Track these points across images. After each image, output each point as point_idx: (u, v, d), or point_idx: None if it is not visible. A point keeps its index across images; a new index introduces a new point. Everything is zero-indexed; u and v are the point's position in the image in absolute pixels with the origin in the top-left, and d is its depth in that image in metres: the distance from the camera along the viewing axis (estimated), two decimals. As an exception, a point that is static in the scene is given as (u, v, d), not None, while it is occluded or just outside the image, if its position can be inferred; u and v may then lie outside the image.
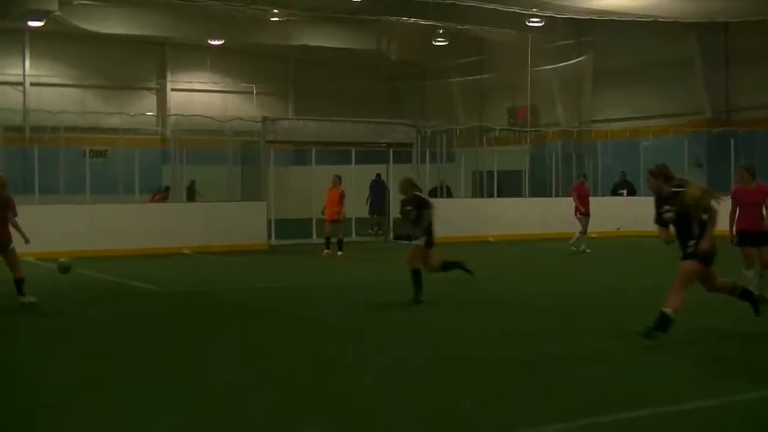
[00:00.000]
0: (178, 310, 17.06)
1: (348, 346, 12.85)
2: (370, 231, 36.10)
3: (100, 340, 13.71)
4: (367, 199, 36.53)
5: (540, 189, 39.23)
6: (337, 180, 28.40)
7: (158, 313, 16.62)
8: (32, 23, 40.77)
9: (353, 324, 15.12)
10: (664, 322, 12.03)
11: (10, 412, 9.24)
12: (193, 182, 37.93)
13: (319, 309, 16.95)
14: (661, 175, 13.26)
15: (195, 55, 49.26)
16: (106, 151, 39.12)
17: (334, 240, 27.80)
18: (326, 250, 27.72)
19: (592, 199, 32.65)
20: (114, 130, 38.54)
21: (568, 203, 37.08)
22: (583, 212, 29.57)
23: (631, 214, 35.35)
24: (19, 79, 45.93)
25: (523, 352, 12.15)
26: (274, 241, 31.44)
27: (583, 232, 29.49)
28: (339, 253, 27.51)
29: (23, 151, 37.00)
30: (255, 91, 50.57)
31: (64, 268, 19.21)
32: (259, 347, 12.95)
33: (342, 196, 27.92)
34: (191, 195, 37.59)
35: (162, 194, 36.75)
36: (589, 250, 29.12)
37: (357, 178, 33.72)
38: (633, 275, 23.26)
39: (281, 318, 15.95)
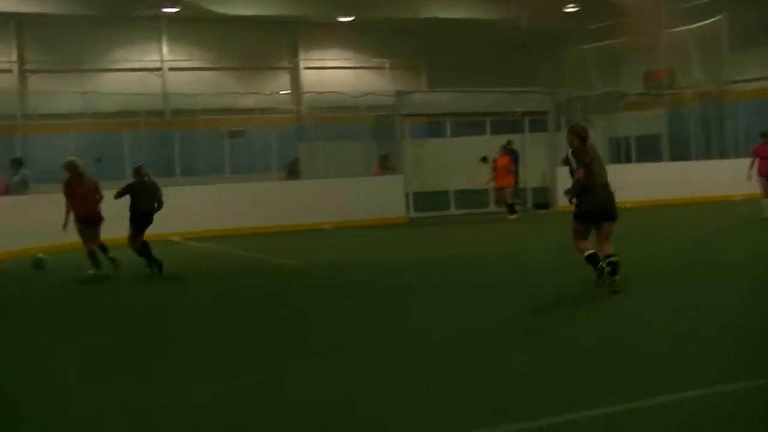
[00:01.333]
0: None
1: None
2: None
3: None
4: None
5: (680, 153, 38.22)
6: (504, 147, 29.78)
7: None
8: (167, 9, 41.20)
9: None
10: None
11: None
12: (297, 158, 37.26)
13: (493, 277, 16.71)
14: None
15: (326, 33, 49.14)
16: (243, 131, 39.19)
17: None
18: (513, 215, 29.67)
19: (731, 162, 31.70)
20: (250, 110, 38.81)
21: (710, 166, 36.14)
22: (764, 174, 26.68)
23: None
24: (158, 65, 46.39)
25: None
26: (412, 214, 31.12)
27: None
28: (512, 216, 29.14)
29: (165, 135, 37.37)
30: (387, 66, 50.25)
31: (37, 264, 19.11)
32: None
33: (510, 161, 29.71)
34: (294, 173, 37.02)
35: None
36: None
37: (493, 148, 33.23)
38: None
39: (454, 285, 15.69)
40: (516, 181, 32.55)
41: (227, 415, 8.13)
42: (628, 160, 36.27)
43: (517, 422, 7.51)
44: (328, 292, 15.82)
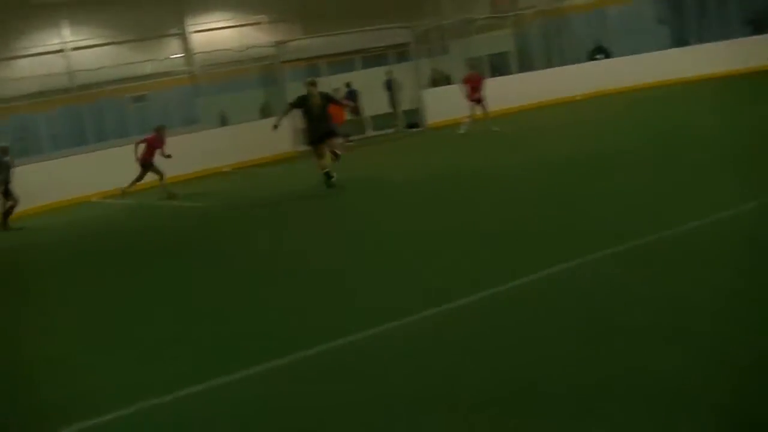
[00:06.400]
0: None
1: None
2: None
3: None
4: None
5: (527, 65, 39.23)
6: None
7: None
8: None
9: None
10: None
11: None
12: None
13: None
14: None
15: (209, -2, 49.33)
16: (144, 95, 39.42)
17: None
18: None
19: (570, 68, 32.76)
20: (149, 77, 38.98)
21: (553, 73, 37.19)
22: (474, 99, 27.95)
23: (609, 74, 35.65)
24: (62, 46, 46.17)
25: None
26: (300, 148, 31.80)
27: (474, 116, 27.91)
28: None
29: (75, 109, 37.47)
30: (266, 21, 50.47)
31: None
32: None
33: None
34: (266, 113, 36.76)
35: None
36: (496, 129, 27.01)
37: (366, 81, 33.96)
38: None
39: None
40: (357, 114, 33.51)
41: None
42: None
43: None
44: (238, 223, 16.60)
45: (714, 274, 7.45)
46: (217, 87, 35.70)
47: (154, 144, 23.54)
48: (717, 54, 33.58)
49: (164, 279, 11.82)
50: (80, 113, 33.66)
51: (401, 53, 34.73)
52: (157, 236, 16.81)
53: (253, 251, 12.74)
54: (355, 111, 33.31)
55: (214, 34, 49.53)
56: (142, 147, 23.57)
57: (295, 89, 33.54)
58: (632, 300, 7.08)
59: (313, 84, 19.19)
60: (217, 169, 28.81)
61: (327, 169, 18.28)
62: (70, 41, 46.27)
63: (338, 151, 20.17)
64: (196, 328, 8.71)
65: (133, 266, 13.35)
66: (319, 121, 18.71)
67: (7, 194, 21.44)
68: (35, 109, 35.03)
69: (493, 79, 35.91)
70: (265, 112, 36.02)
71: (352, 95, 33.44)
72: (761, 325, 6.07)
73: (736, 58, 32.77)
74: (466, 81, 28.30)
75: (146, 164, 23.47)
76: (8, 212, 21.63)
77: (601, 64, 37.06)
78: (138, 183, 23.79)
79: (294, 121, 29.90)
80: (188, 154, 28.25)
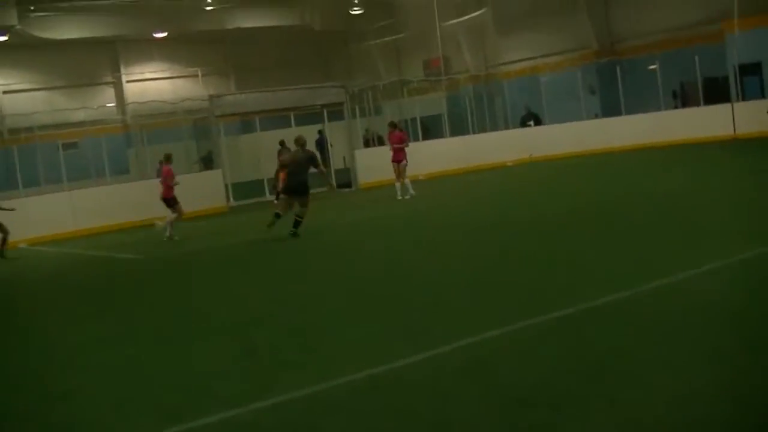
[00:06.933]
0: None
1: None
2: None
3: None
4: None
5: (459, 129, 39.53)
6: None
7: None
8: (-2, 38, 40.62)
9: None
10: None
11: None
12: (209, 152, 37.00)
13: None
14: None
15: (144, 49, 49.05)
16: (76, 142, 38.98)
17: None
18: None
19: (502, 133, 33.03)
20: (81, 123, 38.62)
21: (486, 138, 37.57)
22: (396, 160, 26.54)
23: (540, 141, 36.14)
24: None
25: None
26: (233, 203, 31.69)
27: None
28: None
29: (4, 152, 36.95)
30: (200, 74, 50.44)
31: None
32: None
33: None
34: (208, 164, 36.42)
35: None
36: (413, 193, 26.15)
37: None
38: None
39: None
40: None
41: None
42: (416, 139, 37.14)
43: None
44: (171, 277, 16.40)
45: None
46: (149, 137, 35.41)
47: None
48: (642, 125, 34.31)
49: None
50: (10, 157, 33.08)
51: (335, 112, 34.85)
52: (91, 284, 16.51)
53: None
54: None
55: (148, 84, 49.42)
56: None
57: (228, 143, 33.71)
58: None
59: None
60: (149, 220, 28.46)
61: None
62: (2, 84, 45.74)
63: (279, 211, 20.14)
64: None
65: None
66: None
67: None
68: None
69: (425, 141, 36.23)
70: (208, 164, 35.86)
71: (321, 143, 33.83)
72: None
73: (661, 130, 33.59)
74: (390, 140, 27.30)
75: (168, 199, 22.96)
76: None
77: (532, 131, 37.56)
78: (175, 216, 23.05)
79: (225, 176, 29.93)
80: (119, 204, 28.00)
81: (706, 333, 7.82)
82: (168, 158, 23.29)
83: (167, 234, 22.27)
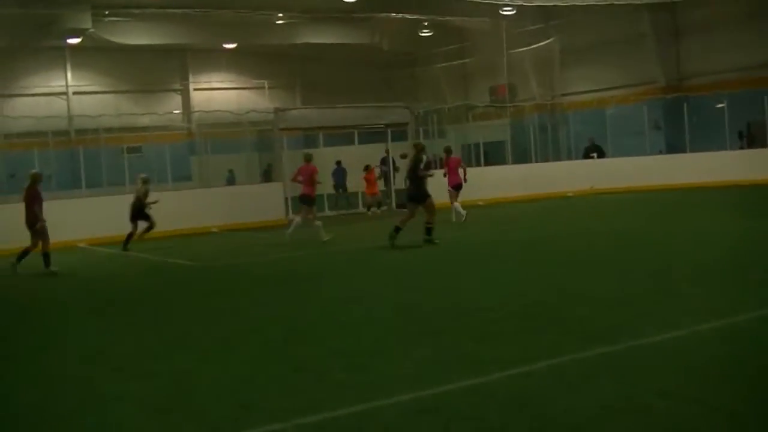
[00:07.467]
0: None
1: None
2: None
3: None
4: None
5: (521, 156, 39.39)
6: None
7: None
8: (71, 40, 41.12)
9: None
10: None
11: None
12: (269, 165, 37.35)
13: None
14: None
15: (212, 58, 49.42)
16: (140, 147, 39.32)
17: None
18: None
19: (565, 164, 32.67)
20: (146, 129, 38.97)
21: (548, 167, 37.34)
22: (452, 185, 26.32)
23: (602, 173, 35.82)
24: (63, 89, 46.21)
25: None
26: (291, 216, 31.66)
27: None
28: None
29: (70, 152, 37.36)
30: (266, 86, 50.66)
31: None
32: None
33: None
34: (268, 176, 36.78)
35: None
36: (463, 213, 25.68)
37: (360, 156, 33.97)
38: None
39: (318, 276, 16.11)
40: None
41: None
42: (478, 164, 37.05)
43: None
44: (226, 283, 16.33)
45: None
46: (212, 146, 35.60)
47: None
48: (706, 163, 33.89)
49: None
50: (75, 157, 33.43)
51: (399, 132, 34.79)
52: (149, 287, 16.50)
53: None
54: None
55: (215, 93, 49.75)
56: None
57: (290, 156, 33.72)
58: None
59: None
60: (207, 228, 28.57)
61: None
62: (73, 85, 46.33)
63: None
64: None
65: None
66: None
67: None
68: (31, 147, 34.77)
69: (487, 167, 36.09)
70: (267, 176, 36.00)
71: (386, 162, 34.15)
72: None
73: (725, 169, 33.15)
74: (446, 165, 26.89)
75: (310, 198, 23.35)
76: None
77: (596, 163, 37.24)
78: None
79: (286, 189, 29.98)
80: (177, 211, 28.05)
81: (764, 378, 7.59)
82: (310, 158, 23.55)
83: (288, 232, 23.31)
